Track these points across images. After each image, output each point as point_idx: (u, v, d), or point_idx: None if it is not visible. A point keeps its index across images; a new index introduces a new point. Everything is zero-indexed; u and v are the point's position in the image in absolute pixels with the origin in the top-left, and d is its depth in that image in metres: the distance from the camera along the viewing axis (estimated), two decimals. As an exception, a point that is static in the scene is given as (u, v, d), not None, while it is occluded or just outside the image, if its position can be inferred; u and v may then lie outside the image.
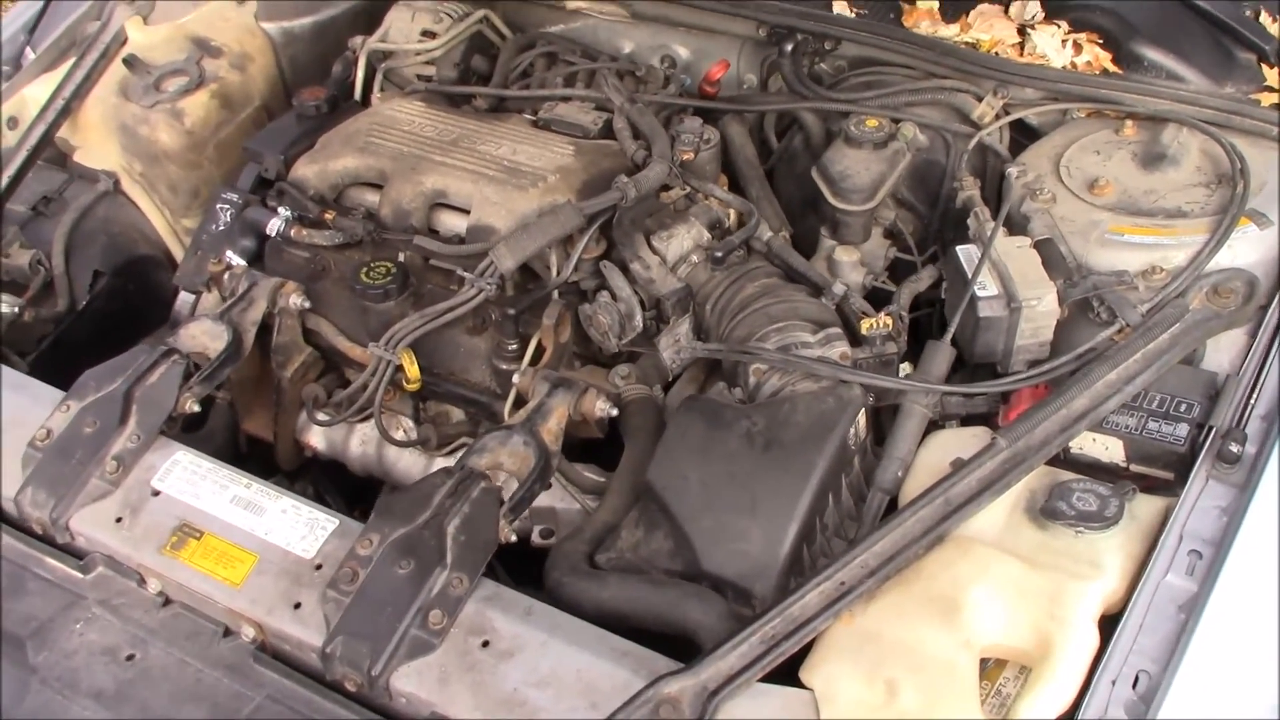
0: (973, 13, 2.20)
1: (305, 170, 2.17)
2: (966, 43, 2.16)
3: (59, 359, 2.17)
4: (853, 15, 2.27)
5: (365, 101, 2.42)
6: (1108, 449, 1.70)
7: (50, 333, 2.22)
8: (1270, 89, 2.02)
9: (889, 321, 1.82)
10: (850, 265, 2.05)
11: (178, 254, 2.42)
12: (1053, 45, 2.09)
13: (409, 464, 2.08)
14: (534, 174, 2.06)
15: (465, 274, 1.95)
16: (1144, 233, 1.84)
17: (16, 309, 2.11)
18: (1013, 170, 1.99)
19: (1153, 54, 2.10)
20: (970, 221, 1.94)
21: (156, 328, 2.34)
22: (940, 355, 1.76)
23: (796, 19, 2.25)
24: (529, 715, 1.47)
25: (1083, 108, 2.10)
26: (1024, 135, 2.17)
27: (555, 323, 1.90)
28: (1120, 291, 1.76)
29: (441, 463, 2.03)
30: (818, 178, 2.07)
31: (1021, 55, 2.12)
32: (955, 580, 1.52)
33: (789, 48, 2.26)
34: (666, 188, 2.07)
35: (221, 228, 2.26)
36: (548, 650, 1.54)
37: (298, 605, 1.62)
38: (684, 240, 1.97)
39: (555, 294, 1.98)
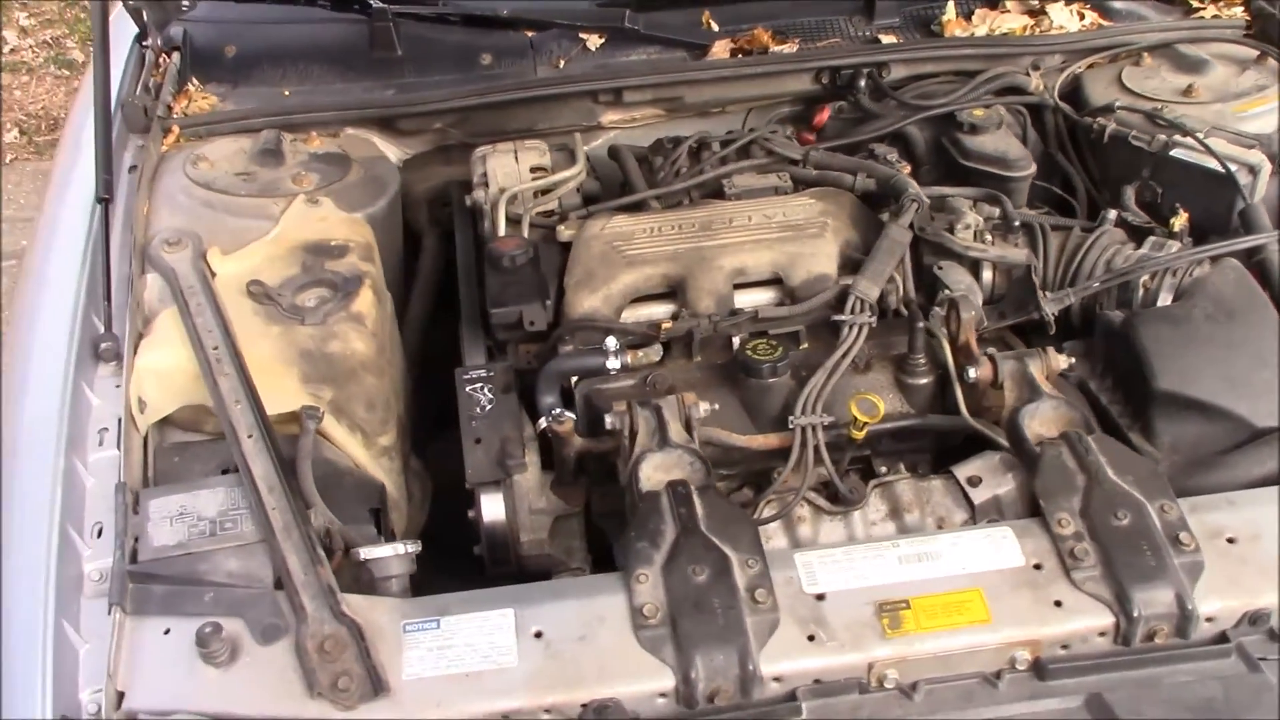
0: (974, 15, 2.64)
1: (590, 302, 2.05)
2: (1003, 34, 2.59)
3: None
4: (899, 41, 2.61)
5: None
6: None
7: None
8: (1199, 5, 2.69)
9: (1186, 217, 2.19)
10: (1033, 224, 2.38)
11: (382, 479, 2.07)
12: (1065, 15, 2.59)
13: (828, 533, 2.01)
14: (811, 224, 2.15)
15: (840, 318, 2.00)
16: (1264, 103, 2.38)
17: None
18: (1116, 102, 2.44)
19: (1119, 4, 2.69)
20: (1135, 141, 2.35)
21: None
22: (1262, 212, 2.16)
23: (865, 57, 2.54)
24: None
25: (1088, 60, 2.62)
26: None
27: (969, 316, 2.01)
28: (1300, 142, 2.29)
29: (859, 517, 2.00)
30: (980, 164, 2.37)
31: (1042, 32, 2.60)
32: None
33: (862, 84, 2.54)
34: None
35: (489, 407, 2.02)
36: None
37: (1058, 603, 1.60)
38: (972, 226, 2.17)
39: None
